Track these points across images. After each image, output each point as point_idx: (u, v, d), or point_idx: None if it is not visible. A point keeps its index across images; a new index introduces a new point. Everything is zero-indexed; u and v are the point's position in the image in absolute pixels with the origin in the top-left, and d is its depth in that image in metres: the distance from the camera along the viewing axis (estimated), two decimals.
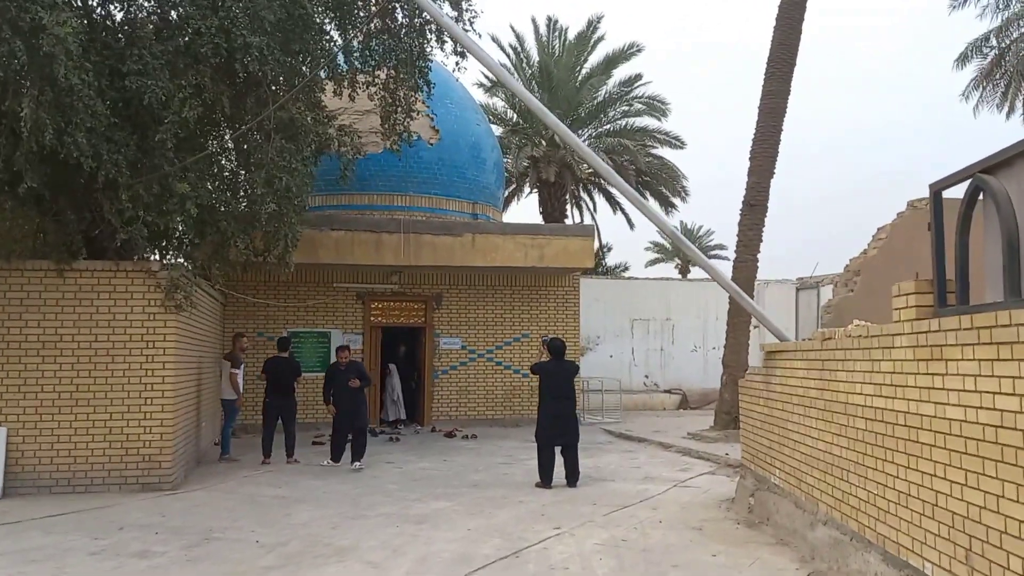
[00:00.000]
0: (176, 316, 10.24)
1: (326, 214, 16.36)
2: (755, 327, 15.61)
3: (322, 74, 11.95)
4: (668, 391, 22.92)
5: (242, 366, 12.93)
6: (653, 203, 27.85)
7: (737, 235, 15.56)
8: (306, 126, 10.99)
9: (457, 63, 12.76)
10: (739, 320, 15.32)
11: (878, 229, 10.41)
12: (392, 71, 12.40)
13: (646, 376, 23.08)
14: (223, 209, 10.87)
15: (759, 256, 15.41)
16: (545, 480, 10.37)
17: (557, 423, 10.48)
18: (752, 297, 13.98)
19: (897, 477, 5.14)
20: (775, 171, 15.30)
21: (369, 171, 17.09)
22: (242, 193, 11.38)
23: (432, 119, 17.65)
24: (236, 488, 10.38)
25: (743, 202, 15.43)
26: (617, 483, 10.70)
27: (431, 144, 17.63)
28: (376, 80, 12.61)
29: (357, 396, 11.98)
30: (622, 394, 20.47)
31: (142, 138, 9.83)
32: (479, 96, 26.42)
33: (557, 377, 10.63)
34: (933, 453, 4.65)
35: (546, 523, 8.15)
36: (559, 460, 10.52)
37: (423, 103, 16.10)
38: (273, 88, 10.82)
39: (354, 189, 16.99)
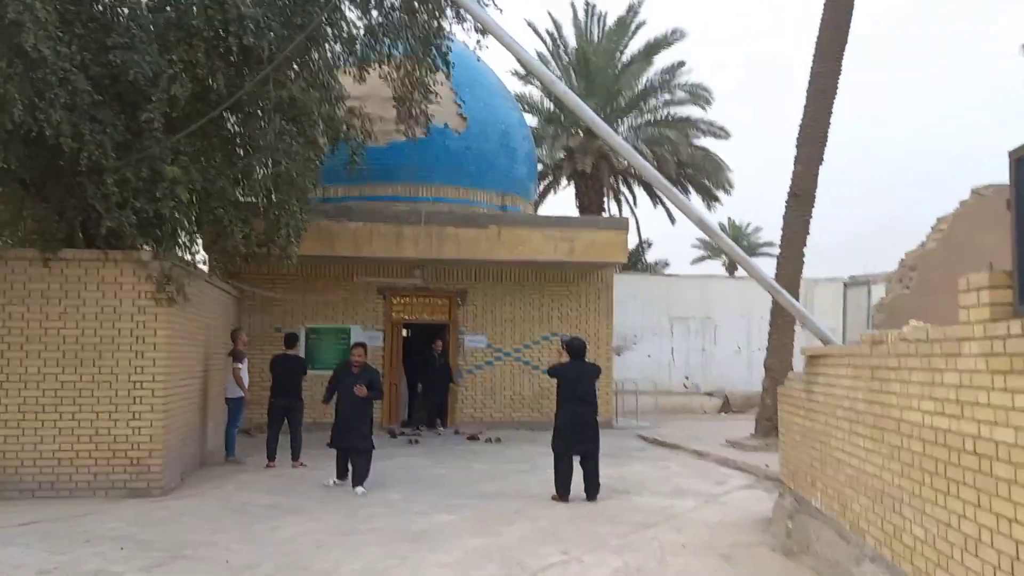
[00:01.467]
0: (168, 310, 9.56)
1: (345, 205, 15.62)
2: (802, 328, 14.49)
3: (328, 53, 11.11)
4: (709, 393, 21.78)
5: (245, 360, 12.22)
6: (695, 197, 26.69)
7: (782, 229, 14.45)
8: (308, 106, 10.15)
9: (478, 41, 11.92)
10: (783, 320, 14.22)
11: (938, 219, 9.33)
12: (408, 47, 11.55)
13: (686, 377, 22.00)
14: (221, 190, 10.07)
15: (805, 251, 14.30)
16: (562, 493, 9.45)
17: (576, 430, 9.55)
18: (798, 297, 12.91)
19: (964, 516, 4.14)
20: (824, 158, 14.15)
21: (393, 161, 16.30)
22: (241, 179, 10.61)
23: (459, 106, 16.79)
24: (231, 495, 9.67)
25: (788, 192, 14.29)
26: (642, 497, 9.75)
27: (458, 133, 16.78)
28: (390, 59, 11.77)
29: (361, 408, 10.14)
30: (659, 396, 19.46)
31: (131, 118, 9.14)
32: (514, 85, 25.58)
33: (577, 380, 9.70)
34: (1012, 492, 3.66)
35: (554, 545, 7.26)
36: (578, 471, 9.61)
37: (449, 88, 15.28)
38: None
39: (377, 179, 16.24)
